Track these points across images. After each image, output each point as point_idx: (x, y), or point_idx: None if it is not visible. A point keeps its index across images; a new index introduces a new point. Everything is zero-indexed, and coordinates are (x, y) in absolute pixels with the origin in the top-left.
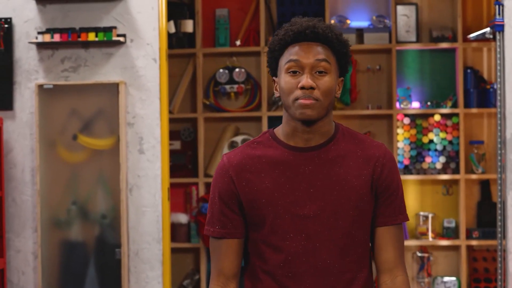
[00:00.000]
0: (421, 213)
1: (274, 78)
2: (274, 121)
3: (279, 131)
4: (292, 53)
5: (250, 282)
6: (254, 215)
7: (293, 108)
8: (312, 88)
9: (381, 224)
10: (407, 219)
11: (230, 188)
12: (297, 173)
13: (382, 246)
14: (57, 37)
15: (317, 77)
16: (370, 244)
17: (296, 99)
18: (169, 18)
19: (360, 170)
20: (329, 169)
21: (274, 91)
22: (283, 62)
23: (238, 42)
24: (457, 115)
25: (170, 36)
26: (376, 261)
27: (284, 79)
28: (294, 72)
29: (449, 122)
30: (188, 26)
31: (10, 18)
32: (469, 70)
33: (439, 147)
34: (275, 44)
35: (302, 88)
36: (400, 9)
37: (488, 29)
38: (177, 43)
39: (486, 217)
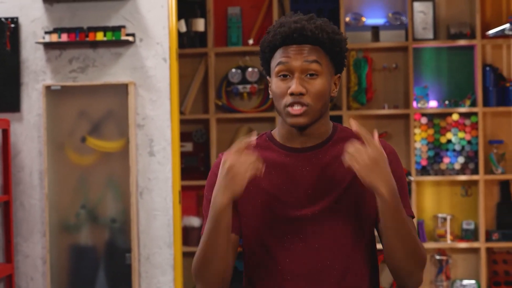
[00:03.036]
0: (439, 215)
1: (268, 77)
2: None
3: (276, 132)
4: (281, 56)
5: (249, 287)
6: (251, 216)
7: (283, 115)
8: (301, 94)
9: None
10: (413, 215)
11: None
12: (295, 175)
13: None
14: (64, 37)
15: (308, 80)
16: (375, 243)
17: (286, 105)
18: (179, 16)
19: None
20: (327, 170)
21: (269, 91)
22: (273, 65)
23: (251, 41)
24: (476, 114)
25: (181, 35)
26: (387, 262)
27: (275, 83)
28: (284, 75)
29: (467, 121)
30: (200, 25)
31: (17, 18)
32: (488, 68)
33: (457, 147)
34: (265, 46)
35: (292, 94)
36: (417, 5)
37: (507, 25)
38: (188, 42)
39: (506, 218)
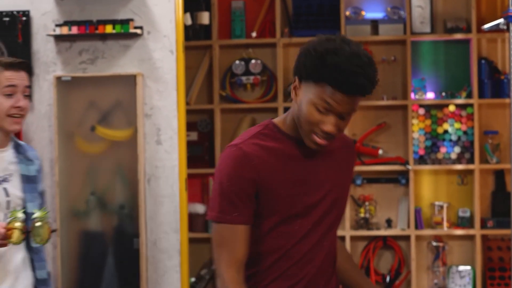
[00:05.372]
0: (436, 203)
1: (296, 77)
2: None
3: (281, 123)
4: (329, 97)
5: (253, 268)
6: (266, 204)
7: (306, 138)
8: (332, 133)
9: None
10: None
11: (243, 177)
12: (305, 165)
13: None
14: (74, 30)
15: (340, 120)
16: None
17: (313, 132)
18: (185, 10)
19: (346, 161)
20: (328, 161)
21: (292, 88)
22: (316, 92)
23: (254, 34)
24: (471, 105)
25: (186, 28)
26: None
27: (309, 109)
28: (322, 110)
29: (463, 113)
30: (204, 18)
31: (28, 11)
32: (483, 61)
33: (453, 138)
34: (316, 72)
35: (326, 132)
36: (415, 0)
37: (502, 20)
38: (193, 35)
39: (500, 206)
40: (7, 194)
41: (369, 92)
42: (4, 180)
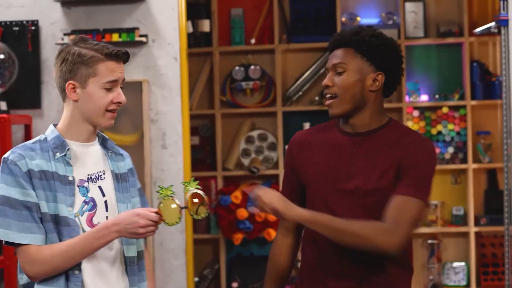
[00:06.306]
0: (431, 201)
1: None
2: (289, 116)
3: None
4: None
5: (302, 244)
6: (305, 184)
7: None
8: (328, 86)
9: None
10: (422, 198)
11: (289, 161)
12: (343, 154)
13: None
14: None
15: (336, 76)
16: None
17: (324, 97)
18: (186, 18)
19: (393, 156)
20: (369, 154)
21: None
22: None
23: (253, 40)
24: (464, 107)
25: (188, 35)
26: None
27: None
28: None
29: (456, 114)
30: (205, 25)
31: (37, 21)
32: (475, 64)
33: (447, 138)
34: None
35: (325, 86)
36: (408, 5)
37: (493, 24)
38: (194, 42)
39: (493, 204)
40: (103, 194)
41: (350, 41)
42: (99, 177)
